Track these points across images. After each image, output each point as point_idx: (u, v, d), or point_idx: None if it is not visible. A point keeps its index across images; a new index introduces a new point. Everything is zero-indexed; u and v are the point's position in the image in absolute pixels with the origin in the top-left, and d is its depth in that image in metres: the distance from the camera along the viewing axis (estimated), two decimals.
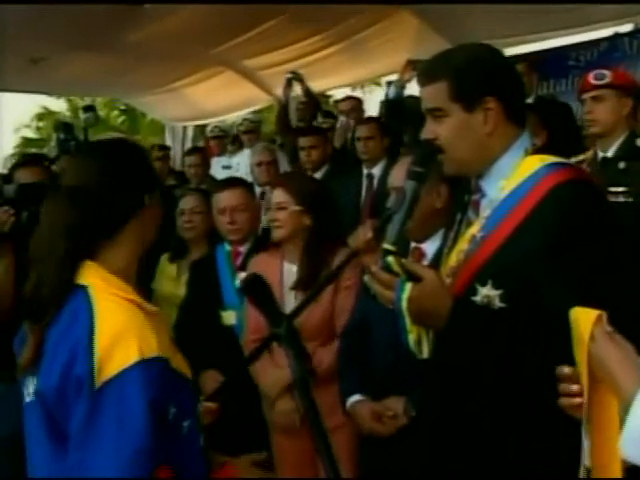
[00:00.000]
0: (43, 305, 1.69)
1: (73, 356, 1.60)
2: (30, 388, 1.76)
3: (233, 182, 4.20)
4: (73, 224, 1.72)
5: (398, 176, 2.91)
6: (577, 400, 1.50)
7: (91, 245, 1.75)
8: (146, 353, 1.59)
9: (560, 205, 1.89)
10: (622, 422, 1.38)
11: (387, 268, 1.94)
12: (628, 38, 7.18)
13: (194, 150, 8.02)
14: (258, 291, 1.93)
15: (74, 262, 1.72)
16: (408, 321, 1.94)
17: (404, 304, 1.90)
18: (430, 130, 2.07)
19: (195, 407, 1.82)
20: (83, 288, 1.70)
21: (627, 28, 7.81)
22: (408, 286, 1.90)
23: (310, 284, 3.36)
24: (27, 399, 1.77)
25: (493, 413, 1.93)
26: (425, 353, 1.99)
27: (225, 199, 3.95)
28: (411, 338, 1.98)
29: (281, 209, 3.49)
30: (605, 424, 1.47)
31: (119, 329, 1.61)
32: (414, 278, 1.91)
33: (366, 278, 1.99)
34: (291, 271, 3.53)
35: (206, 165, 7.54)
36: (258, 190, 5.99)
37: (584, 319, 1.54)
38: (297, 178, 4.08)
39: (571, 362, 1.61)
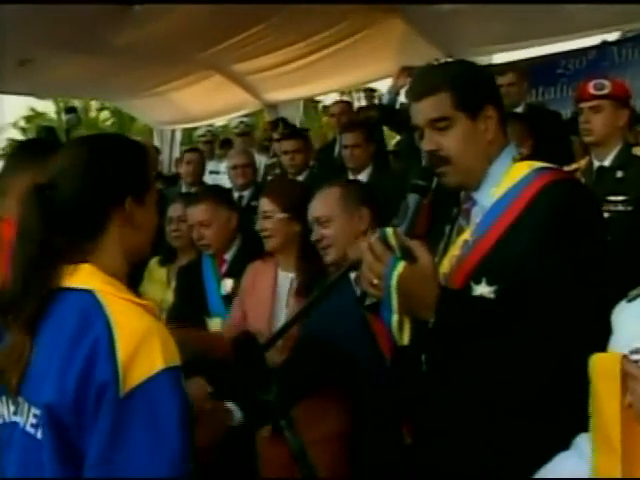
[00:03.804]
0: (23, 308, 1.62)
1: (90, 364, 1.52)
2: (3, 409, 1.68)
3: (200, 197, 4.11)
4: (46, 221, 1.64)
5: (317, 206, 3.00)
6: None
7: (71, 245, 1.67)
8: (169, 360, 1.55)
9: (551, 201, 1.92)
10: None
11: (383, 240, 1.91)
12: (616, 47, 7.24)
13: (194, 149, 7.79)
14: (249, 349, 1.85)
15: (52, 262, 1.64)
16: (395, 300, 1.87)
17: (394, 281, 1.85)
18: (433, 141, 2.06)
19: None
20: (89, 292, 1.62)
21: (614, 36, 7.86)
22: (401, 264, 1.86)
23: (309, 291, 3.21)
24: None
25: (489, 411, 1.92)
26: (405, 340, 1.94)
27: (191, 215, 3.97)
28: (394, 319, 1.90)
29: (267, 218, 3.44)
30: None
31: (142, 335, 1.55)
32: (408, 257, 1.88)
33: (362, 245, 1.95)
34: (286, 279, 3.45)
35: (202, 167, 7.34)
36: (236, 195, 5.97)
37: (602, 364, 1.53)
38: (281, 185, 4.01)
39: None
